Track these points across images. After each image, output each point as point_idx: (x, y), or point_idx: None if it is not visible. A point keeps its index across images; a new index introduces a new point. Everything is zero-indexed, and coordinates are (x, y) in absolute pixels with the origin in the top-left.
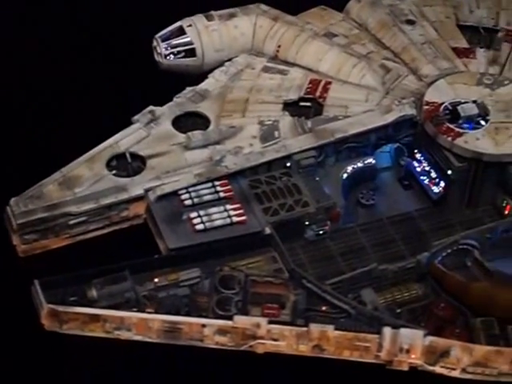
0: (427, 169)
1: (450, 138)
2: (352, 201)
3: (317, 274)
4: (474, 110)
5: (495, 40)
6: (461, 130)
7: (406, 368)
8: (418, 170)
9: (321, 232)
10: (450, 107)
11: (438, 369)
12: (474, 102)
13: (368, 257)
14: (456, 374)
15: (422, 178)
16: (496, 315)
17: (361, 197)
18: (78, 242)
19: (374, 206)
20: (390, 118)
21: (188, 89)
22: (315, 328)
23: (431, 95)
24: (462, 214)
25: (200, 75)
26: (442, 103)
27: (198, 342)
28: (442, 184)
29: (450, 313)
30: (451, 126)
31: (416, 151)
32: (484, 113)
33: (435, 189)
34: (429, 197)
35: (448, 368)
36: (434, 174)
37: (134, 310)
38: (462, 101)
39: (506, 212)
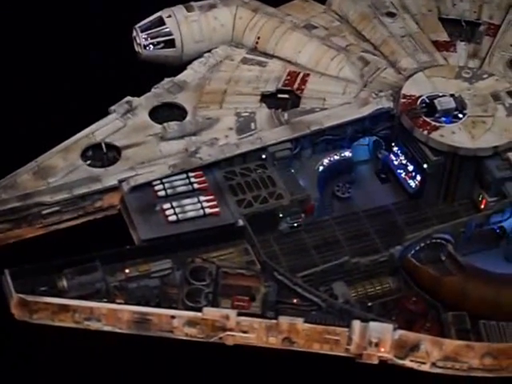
0: (404, 162)
1: (425, 132)
2: (328, 193)
3: (290, 267)
4: (451, 104)
5: (476, 33)
6: (437, 124)
7: (375, 361)
8: (396, 163)
9: (295, 224)
10: (428, 100)
11: (407, 363)
12: (452, 95)
13: (342, 250)
14: (426, 368)
15: (399, 171)
16: (468, 310)
17: (337, 190)
18: (52, 232)
19: (350, 199)
20: (366, 110)
21: (166, 79)
22: (284, 321)
23: (409, 88)
24: (439, 207)
25: (180, 66)
26: (420, 96)
27: (168, 333)
28: (419, 178)
29: (421, 307)
30: (428, 119)
31: (393, 144)
32: (461, 106)
33: (412, 182)
34: (405, 190)
35: (418, 362)
36: (410, 168)
37: (104, 300)
38: (440, 94)
39: (482, 206)
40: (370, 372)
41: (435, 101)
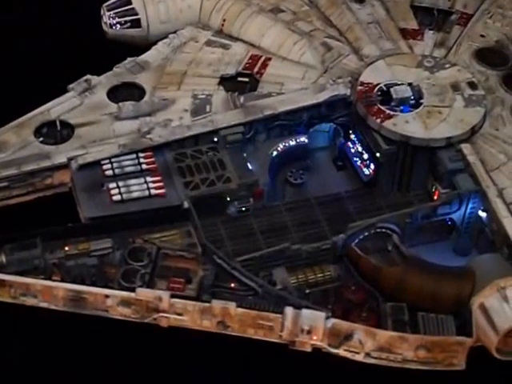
0: (360, 150)
1: (378, 120)
2: (281, 179)
3: (234, 251)
4: (407, 93)
5: (447, 22)
6: (391, 112)
7: (308, 349)
8: (352, 151)
9: (243, 209)
10: (385, 88)
11: (341, 352)
12: (410, 84)
13: (289, 236)
14: (360, 358)
15: (355, 159)
16: (407, 301)
17: (289, 175)
18: (1, 208)
19: (304, 186)
20: (322, 96)
21: (129, 59)
22: (217, 304)
23: (367, 76)
24: (392, 197)
25: (148, 46)
26: (377, 84)
27: (104, 312)
28: (372, 166)
29: (359, 296)
30: (383, 107)
31: (351, 132)
32: (418, 96)
33: (366, 171)
34: (360, 179)
35: (352, 352)
36: (365, 156)
37: (41, 277)
38: (399, 83)
39: (435, 197)
40: (305, 361)
41: (391, 89)
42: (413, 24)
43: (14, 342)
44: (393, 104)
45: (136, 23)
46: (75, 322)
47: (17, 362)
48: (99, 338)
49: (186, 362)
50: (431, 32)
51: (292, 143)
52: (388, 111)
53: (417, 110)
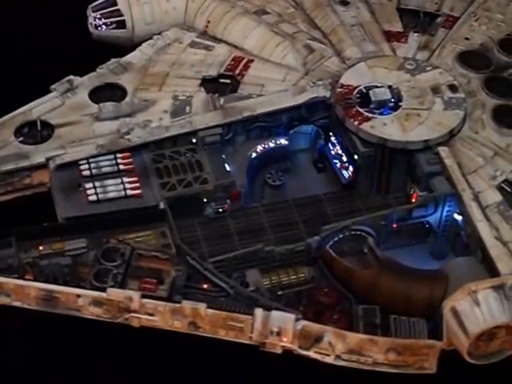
0: (340, 152)
1: (356, 122)
2: (259, 181)
3: (210, 252)
4: (386, 95)
5: (433, 25)
6: (370, 115)
7: (279, 351)
8: (333, 153)
9: (220, 210)
10: (365, 91)
11: (312, 354)
12: (390, 86)
13: (266, 237)
14: (330, 360)
15: (334, 161)
16: (380, 304)
17: (268, 177)
18: None
19: (283, 188)
20: (301, 98)
21: (112, 60)
22: (187, 305)
23: (348, 78)
24: (371, 199)
25: (133, 47)
26: (357, 86)
27: (76, 311)
28: (351, 169)
29: (332, 299)
30: (361, 110)
31: (331, 134)
32: (398, 98)
33: (345, 173)
34: (340, 181)
35: (322, 354)
36: (345, 158)
37: (14, 276)
38: (379, 85)
39: (414, 200)
40: (276, 363)
41: (370, 91)
42: (397, 26)
43: (13, 342)
44: (372, 106)
45: (121, 24)
46: (75, 322)
47: (17, 362)
48: (99, 338)
49: (179, 365)
50: (416, 35)
51: (272, 145)
52: (366, 113)
53: (395, 113)
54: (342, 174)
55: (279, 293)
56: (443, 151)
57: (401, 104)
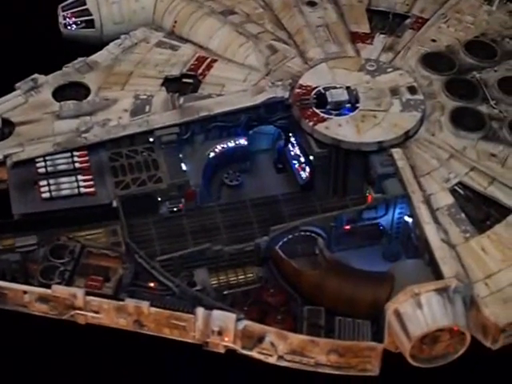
0: (298, 153)
1: (311, 123)
2: (217, 180)
3: (162, 251)
4: (343, 96)
5: (401, 27)
6: (325, 116)
7: (222, 350)
8: (292, 153)
9: (174, 209)
10: (323, 91)
11: (255, 354)
12: (348, 88)
13: (219, 237)
14: (273, 360)
15: (293, 162)
16: (326, 305)
17: (225, 177)
18: None
19: (242, 188)
20: (259, 99)
21: (79, 59)
22: (130, 303)
23: (307, 78)
24: (328, 201)
25: (103, 46)
26: (316, 87)
27: (23, 308)
28: (308, 169)
29: (278, 299)
30: (318, 111)
31: (291, 135)
32: (355, 99)
33: (303, 174)
34: (297, 182)
35: (265, 354)
36: (302, 159)
37: None
38: (337, 86)
39: (369, 201)
40: (220, 361)
41: (327, 92)
42: (365, 28)
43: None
44: (328, 107)
45: (90, 24)
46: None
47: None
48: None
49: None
50: (382, 36)
51: (231, 145)
52: (322, 114)
53: (351, 114)
54: (300, 175)
55: (225, 292)
56: (397, 153)
57: (358, 105)
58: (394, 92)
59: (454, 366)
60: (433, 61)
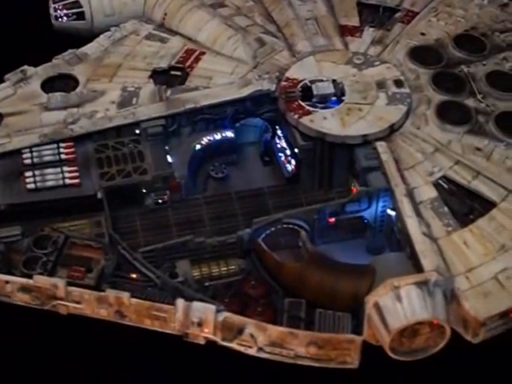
0: (284, 146)
1: (296, 116)
2: (203, 173)
3: (146, 243)
4: (329, 89)
5: (391, 20)
6: (311, 109)
7: (202, 342)
8: (279, 146)
9: (159, 201)
10: (309, 84)
11: (235, 346)
12: (334, 81)
13: (203, 229)
14: (253, 352)
15: (279, 154)
16: (307, 297)
17: (211, 169)
18: None
19: (228, 180)
20: (245, 91)
21: (69, 51)
22: (111, 294)
23: (294, 71)
24: (314, 194)
25: (94, 38)
26: (302, 80)
27: (6, 298)
28: (293, 162)
29: (259, 291)
30: (303, 103)
31: (277, 127)
32: (341, 92)
33: (288, 166)
34: (283, 174)
35: (245, 346)
36: (288, 152)
37: None
38: (324, 79)
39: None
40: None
41: (313, 85)
42: (354, 21)
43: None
44: (314, 100)
45: (81, 16)
46: (74, 321)
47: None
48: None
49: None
50: (371, 29)
51: (218, 137)
52: (308, 107)
53: (337, 107)
54: (286, 168)
55: (206, 284)
56: (381, 146)
57: (344, 98)
58: (381, 85)
59: (434, 359)
60: (421, 54)
